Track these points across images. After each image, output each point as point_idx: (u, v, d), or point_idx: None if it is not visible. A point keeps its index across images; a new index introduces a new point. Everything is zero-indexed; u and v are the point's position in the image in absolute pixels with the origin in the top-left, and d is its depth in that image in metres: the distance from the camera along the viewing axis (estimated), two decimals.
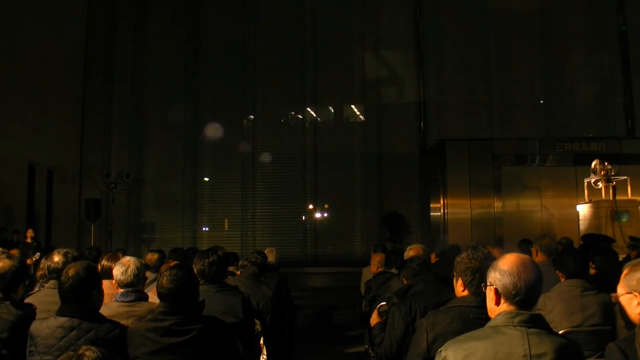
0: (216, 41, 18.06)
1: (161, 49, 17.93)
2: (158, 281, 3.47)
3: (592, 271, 5.52)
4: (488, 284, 2.50)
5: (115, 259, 4.93)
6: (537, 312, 2.43)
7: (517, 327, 2.32)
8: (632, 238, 8.35)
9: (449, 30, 18.15)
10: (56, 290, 3.87)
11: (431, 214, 15.59)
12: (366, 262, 9.44)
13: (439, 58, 18.03)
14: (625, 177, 11.96)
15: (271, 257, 8.09)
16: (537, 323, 2.35)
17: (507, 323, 2.34)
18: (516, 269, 2.41)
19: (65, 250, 4.78)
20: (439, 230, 14.65)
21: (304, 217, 17.55)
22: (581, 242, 8.83)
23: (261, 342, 4.80)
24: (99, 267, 4.91)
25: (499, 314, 2.41)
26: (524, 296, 2.38)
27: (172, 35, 18.00)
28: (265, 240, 16.12)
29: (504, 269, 2.43)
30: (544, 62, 18.06)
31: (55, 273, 4.47)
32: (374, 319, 5.07)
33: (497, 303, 2.45)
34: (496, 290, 2.44)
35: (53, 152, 15.54)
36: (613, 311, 4.35)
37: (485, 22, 18.07)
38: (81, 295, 3.39)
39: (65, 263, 4.45)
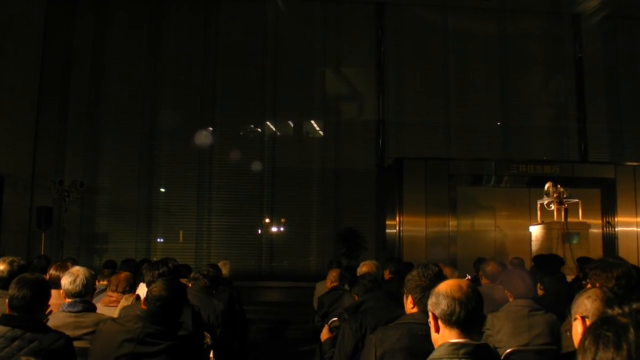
0: (176, 53, 17.93)
1: (120, 58, 17.70)
2: (149, 290, 3.54)
3: (540, 292, 5.62)
4: (428, 312, 2.49)
5: (64, 268, 4.85)
6: (485, 336, 2.40)
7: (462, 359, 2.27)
8: (579, 260, 8.52)
9: (410, 51, 18.35)
10: (0, 299, 3.79)
11: (387, 231, 15.66)
12: (321, 278, 9.45)
13: (399, 78, 18.20)
14: (577, 200, 12.23)
15: (225, 270, 8.04)
16: (482, 355, 2.32)
17: (452, 355, 2.29)
18: (450, 291, 2.39)
19: (11, 258, 4.67)
20: (394, 248, 14.73)
21: (259, 231, 17.45)
22: (532, 263, 8.98)
23: (211, 355, 4.75)
24: (47, 276, 4.82)
25: (441, 345, 2.36)
26: (460, 315, 2.34)
27: (131, 44, 17.79)
28: (220, 253, 15.96)
29: (440, 292, 2.42)
30: (501, 85, 18.37)
31: (0, 282, 4.37)
32: (325, 334, 5.08)
33: (437, 329, 2.41)
34: (434, 315, 2.43)
35: (5, 158, 15.20)
36: (559, 331, 4.43)
37: (445, 45, 18.32)
38: (33, 309, 3.33)
39: (11, 271, 4.37)
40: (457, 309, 2.34)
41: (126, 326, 3.42)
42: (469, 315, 2.35)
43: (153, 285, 3.57)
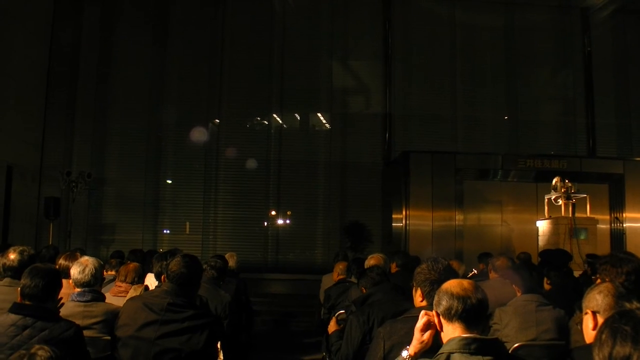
0: (184, 44, 17.91)
1: (127, 51, 17.71)
2: (169, 268, 3.85)
3: (547, 287, 5.61)
4: (434, 312, 2.51)
5: (73, 258, 4.87)
6: (492, 331, 2.40)
7: (473, 355, 2.26)
8: (589, 256, 8.50)
9: (417, 43, 18.28)
10: (11, 288, 3.81)
11: (393, 224, 15.63)
12: (326, 270, 9.46)
13: (406, 70, 18.13)
14: (585, 195, 12.16)
15: (232, 262, 8.06)
16: (493, 350, 2.31)
17: (463, 349, 2.28)
18: (450, 288, 2.42)
19: (21, 248, 4.68)
20: (400, 241, 14.71)
21: (266, 223, 17.45)
22: (539, 258, 8.96)
23: (218, 346, 4.77)
24: (57, 265, 4.84)
25: (452, 340, 2.34)
26: (458, 309, 2.36)
27: (139, 35, 17.76)
28: (227, 245, 15.97)
29: (441, 290, 2.45)
30: (508, 78, 18.30)
31: (11, 271, 4.39)
32: (332, 326, 5.08)
33: (441, 327, 2.43)
34: (437, 313, 2.45)
35: (13, 149, 15.24)
36: (567, 326, 4.43)
37: (452, 37, 18.25)
38: (44, 298, 3.34)
39: (21, 261, 4.38)
40: (455, 303, 2.37)
41: (154, 299, 3.73)
42: (467, 310, 2.37)
43: (172, 264, 3.84)
